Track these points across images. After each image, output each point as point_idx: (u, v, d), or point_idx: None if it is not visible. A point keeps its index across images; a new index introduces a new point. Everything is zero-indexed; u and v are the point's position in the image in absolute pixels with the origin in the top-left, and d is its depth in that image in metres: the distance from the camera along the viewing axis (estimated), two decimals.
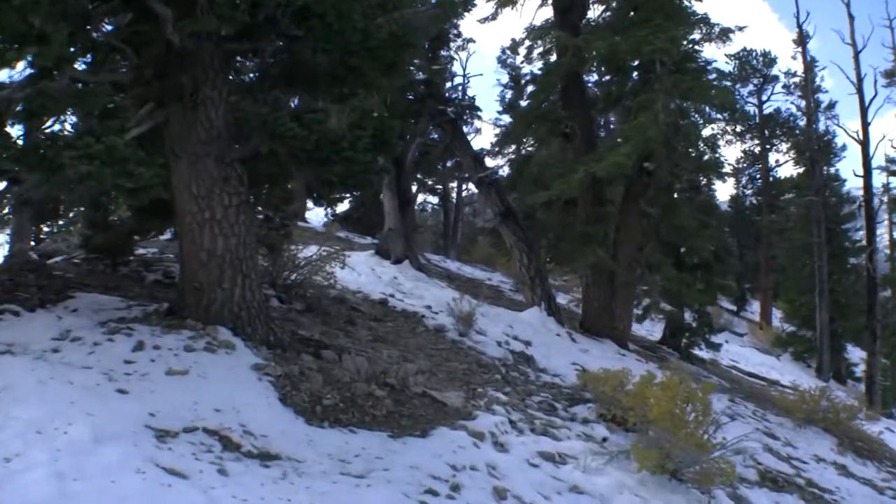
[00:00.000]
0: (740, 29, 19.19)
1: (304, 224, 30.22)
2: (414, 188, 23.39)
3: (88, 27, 8.46)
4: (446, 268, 29.16)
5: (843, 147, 43.53)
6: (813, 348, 38.61)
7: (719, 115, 18.70)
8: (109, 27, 9.20)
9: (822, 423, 16.02)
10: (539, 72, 21.63)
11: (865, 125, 33.18)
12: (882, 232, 43.91)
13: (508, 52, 44.28)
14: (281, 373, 8.18)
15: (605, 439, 9.80)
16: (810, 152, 37.84)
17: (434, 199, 48.10)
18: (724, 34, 18.98)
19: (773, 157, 52.51)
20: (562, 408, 11.26)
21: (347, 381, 8.79)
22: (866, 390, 32.08)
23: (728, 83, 18.31)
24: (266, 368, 8.15)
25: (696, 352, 24.37)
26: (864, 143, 33.02)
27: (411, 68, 17.79)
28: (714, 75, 17.91)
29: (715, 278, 22.33)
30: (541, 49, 21.18)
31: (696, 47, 18.81)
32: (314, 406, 7.92)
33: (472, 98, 21.71)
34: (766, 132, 52.08)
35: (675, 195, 21.62)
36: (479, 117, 35.15)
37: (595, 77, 22.28)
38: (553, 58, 21.29)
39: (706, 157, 22.25)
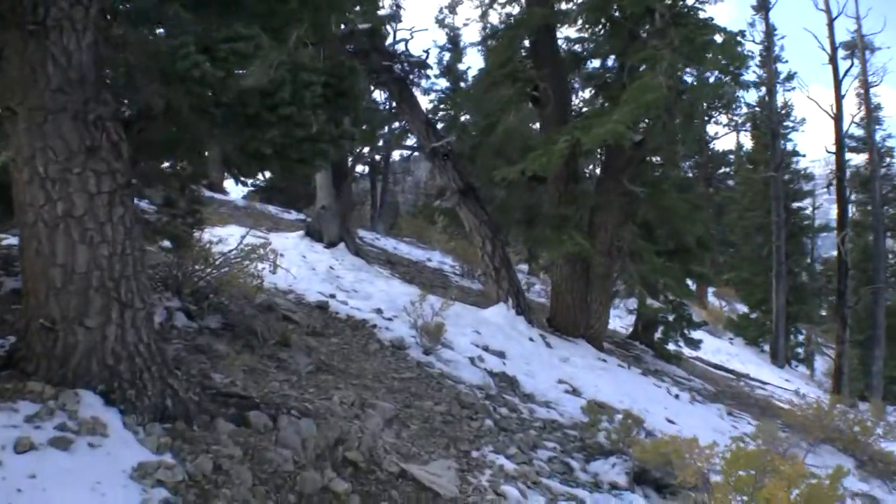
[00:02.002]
0: None
1: (221, 197, 26.62)
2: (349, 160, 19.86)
3: None
4: (382, 247, 25.94)
5: (802, 121, 41.38)
6: (767, 332, 36.67)
7: (723, 79, 15.42)
8: None
9: (839, 441, 14.02)
10: (503, 25, 18.36)
11: (839, 98, 30.81)
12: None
13: (446, 10, 41.59)
14: (182, 477, 4.87)
15: None
16: (771, 126, 35.36)
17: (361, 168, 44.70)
18: None
19: (711, 129, 50.18)
20: (579, 467, 8.51)
21: (290, 470, 5.57)
22: (834, 381, 29.94)
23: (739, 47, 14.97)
24: (157, 472, 4.82)
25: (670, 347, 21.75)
26: (838, 118, 30.55)
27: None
28: (715, 36, 14.85)
29: (694, 266, 19.45)
30: None
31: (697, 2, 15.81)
32: None
33: (422, 56, 17.98)
34: (705, 104, 49.64)
35: (662, 171, 18.62)
36: (429, 76, 31.89)
37: (566, 33, 19.14)
38: (515, 10, 18.20)
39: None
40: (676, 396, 15.26)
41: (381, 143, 23.96)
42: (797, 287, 38.44)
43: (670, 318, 21.34)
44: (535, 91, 16.97)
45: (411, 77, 19.77)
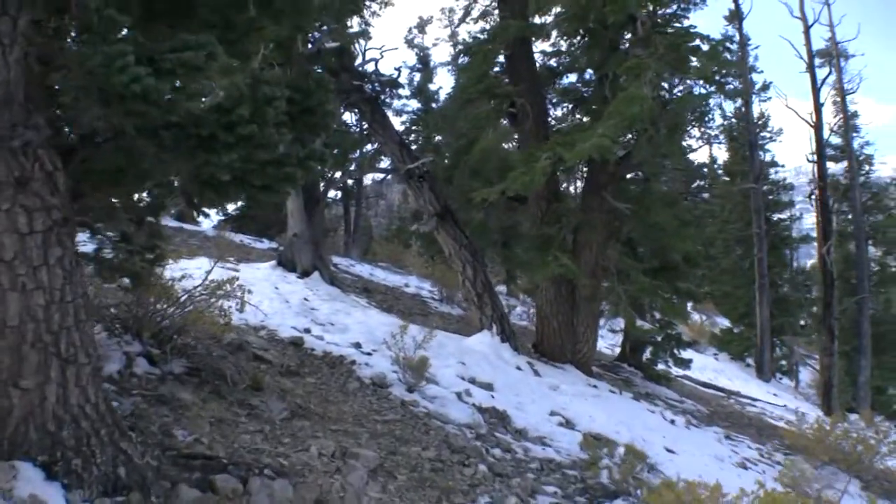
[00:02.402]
0: None
1: (190, 227, 25.78)
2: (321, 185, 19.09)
3: None
4: (358, 274, 25.16)
5: (780, 131, 40.98)
6: (751, 346, 36.20)
7: (707, 89, 14.83)
8: None
9: (843, 462, 13.08)
10: (477, 38, 17.66)
11: (818, 106, 30.23)
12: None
13: (416, 31, 41.03)
14: None
15: None
16: (749, 137, 34.93)
17: (333, 193, 43.85)
18: None
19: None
20: None
21: None
22: (823, 394, 29.26)
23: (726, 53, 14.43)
24: None
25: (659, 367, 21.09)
26: (818, 127, 30.03)
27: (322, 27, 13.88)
28: (699, 42, 14.26)
29: (680, 283, 18.78)
30: (477, 10, 17.36)
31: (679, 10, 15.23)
32: None
33: (394, 74, 17.19)
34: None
35: (646, 187, 17.96)
36: (401, 96, 31.22)
37: (542, 47, 18.51)
38: (489, 25, 17.56)
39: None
40: (672, 422, 14.64)
41: (353, 166, 23.12)
42: (780, 299, 37.94)
43: (658, 338, 20.68)
44: (511, 108, 16.33)
45: (382, 97, 19.02)
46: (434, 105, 33.87)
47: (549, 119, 17.82)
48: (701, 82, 14.85)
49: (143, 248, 8.81)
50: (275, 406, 8.18)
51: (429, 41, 60.50)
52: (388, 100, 25.41)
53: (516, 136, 18.03)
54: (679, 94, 15.50)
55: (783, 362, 39.61)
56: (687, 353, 21.69)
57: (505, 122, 17.20)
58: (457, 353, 13.22)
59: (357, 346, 11.66)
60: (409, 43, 39.93)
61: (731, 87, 16.17)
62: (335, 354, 10.90)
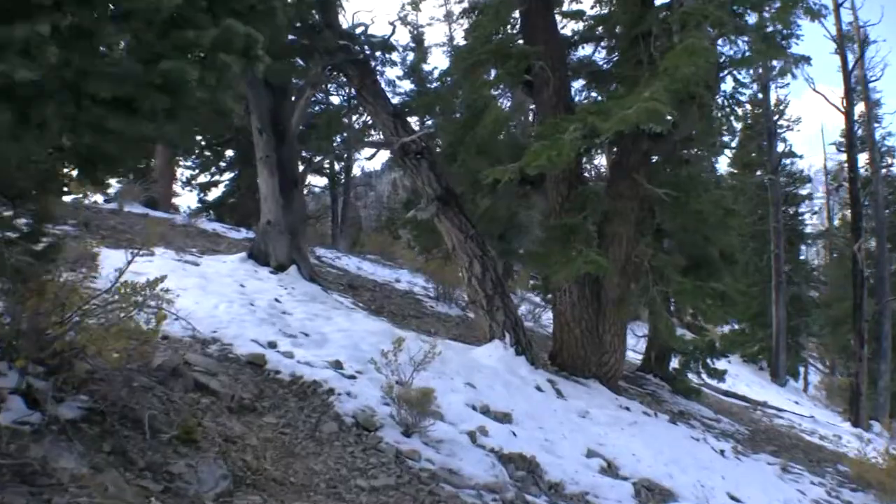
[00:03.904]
0: None
1: (157, 214, 23.00)
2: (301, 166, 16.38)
3: None
4: (344, 268, 22.45)
5: (798, 120, 38.36)
6: (765, 349, 33.84)
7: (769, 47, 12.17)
8: None
9: None
10: None
11: (849, 91, 27.61)
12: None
13: (408, 7, 38.43)
14: None
15: None
16: (767, 126, 32.40)
17: (321, 181, 41.15)
18: None
19: None
20: None
21: None
22: (851, 404, 26.75)
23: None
24: None
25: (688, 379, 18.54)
26: (848, 113, 27.42)
27: None
28: None
29: (716, 283, 16.02)
30: None
31: None
32: None
33: (386, 37, 14.21)
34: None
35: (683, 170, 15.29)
36: (395, 62, 28.35)
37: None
38: None
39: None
40: (722, 452, 12.22)
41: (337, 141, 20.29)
42: (794, 298, 35.45)
43: (692, 346, 18.04)
44: (527, 75, 13.64)
45: (373, 63, 16.19)
46: (429, 86, 31.12)
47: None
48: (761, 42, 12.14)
49: (26, 235, 6.15)
50: (209, 473, 5.51)
51: (423, 19, 57.78)
52: (380, 68, 22.72)
53: (532, 108, 15.28)
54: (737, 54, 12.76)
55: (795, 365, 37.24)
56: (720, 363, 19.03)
57: (519, 89, 14.45)
58: (464, 370, 10.58)
59: (337, 366, 8.87)
60: (403, 20, 37.38)
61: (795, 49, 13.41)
62: (307, 379, 8.13)
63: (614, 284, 13.43)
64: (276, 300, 12.17)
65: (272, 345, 9.18)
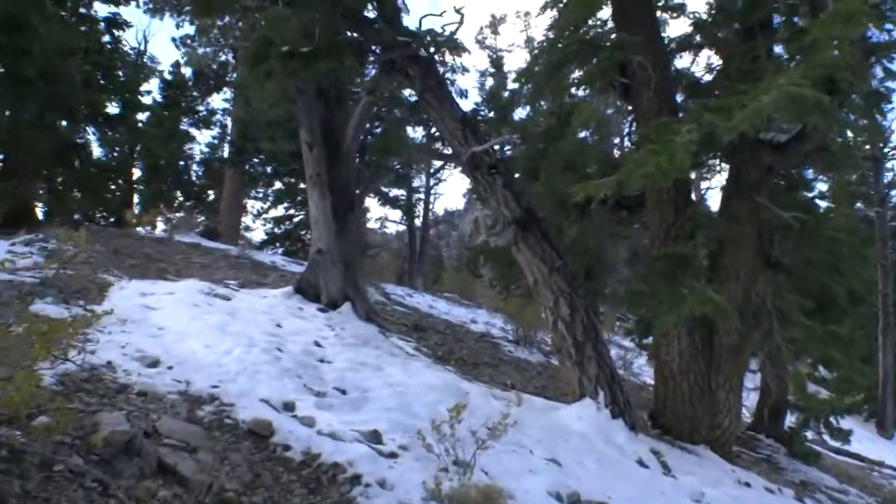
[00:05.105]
0: None
1: (211, 244, 21.07)
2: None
3: None
4: (414, 306, 20.19)
5: None
6: (871, 399, 30.72)
7: None
8: None
9: None
10: None
11: None
12: None
13: (487, 30, 36.59)
14: None
15: None
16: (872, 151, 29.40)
17: (395, 214, 39.40)
18: None
19: None
20: None
21: None
22: None
23: None
24: None
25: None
26: None
27: None
28: None
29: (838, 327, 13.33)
30: None
31: None
32: None
33: (452, 34, 11.92)
34: None
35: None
36: (466, 69, 26.26)
37: None
38: None
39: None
40: None
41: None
42: None
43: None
44: (622, 71, 11.27)
45: (438, 61, 13.91)
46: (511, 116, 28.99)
47: None
48: None
49: None
50: None
51: (502, 43, 56.18)
52: (449, 76, 20.47)
53: (630, 116, 12.83)
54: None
55: None
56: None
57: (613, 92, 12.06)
58: (546, 438, 8.19)
59: (373, 438, 6.50)
60: (481, 43, 35.41)
61: None
62: (325, 460, 5.78)
63: (732, 329, 10.89)
64: (316, 344, 9.96)
65: (288, 406, 6.88)
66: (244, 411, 6.42)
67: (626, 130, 13.40)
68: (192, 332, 8.64)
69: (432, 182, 36.11)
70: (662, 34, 12.86)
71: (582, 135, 11.69)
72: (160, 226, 22.33)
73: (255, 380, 7.33)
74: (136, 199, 29.13)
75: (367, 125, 15.41)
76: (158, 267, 14.46)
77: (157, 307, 9.73)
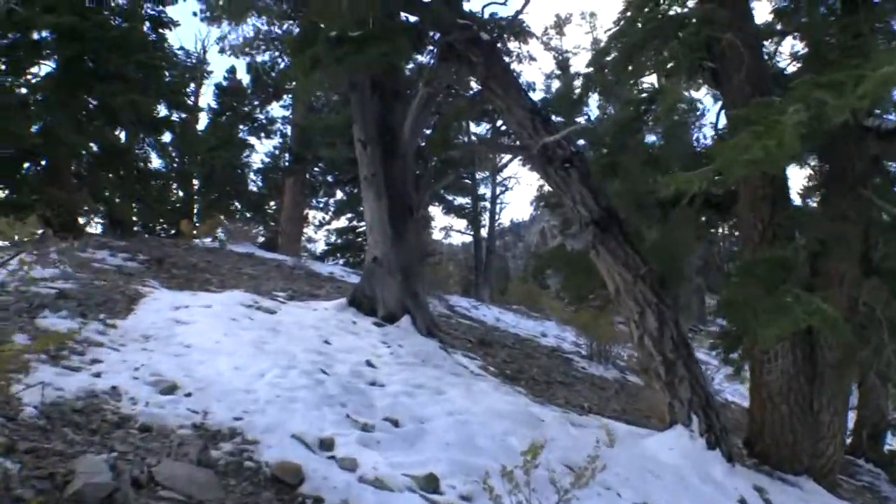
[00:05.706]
0: None
1: (266, 255, 20.08)
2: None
3: None
4: (480, 319, 18.98)
5: None
6: None
7: None
8: None
9: None
10: None
11: None
12: None
13: (552, 31, 35.26)
14: None
15: None
16: None
17: (459, 223, 38.26)
18: None
19: None
20: None
21: None
22: None
23: None
24: None
25: None
26: None
27: None
28: None
29: None
30: None
31: None
32: None
33: (518, 14, 10.58)
34: None
35: None
36: (533, 58, 25.02)
37: None
38: None
39: None
40: None
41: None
42: None
43: None
44: (709, 53, 9.96)
45: (502, 45, 12.68)
46: (581, 121, 27.56)
47: None
48: None
49: None
50: None
51: (567, 44, 55.04)
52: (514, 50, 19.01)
53: (720, 104, 11.43)
54: None
55: None
56: None
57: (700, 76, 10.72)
58: (634, 475, 6.93)
59: (428, 484, 5.25)
60: (546, 45, 34.13)
61: None
62: None
63: (836, 343, 9.51)
64: (368, 364, 8.79)
65: (325, 444, 5.66)
66: (269, 451, 5.25)
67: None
68: (223, 351, 7.52)
69: (498, 190, 34.96)
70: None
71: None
72: (220, 237, 21.50)
73: (289, 409, 6.14)
74: (195, 209, 28.42)
75: (427, 121, 14.21)
76: (202, 278, 13.48)
77: (189, 321, 8.64)
